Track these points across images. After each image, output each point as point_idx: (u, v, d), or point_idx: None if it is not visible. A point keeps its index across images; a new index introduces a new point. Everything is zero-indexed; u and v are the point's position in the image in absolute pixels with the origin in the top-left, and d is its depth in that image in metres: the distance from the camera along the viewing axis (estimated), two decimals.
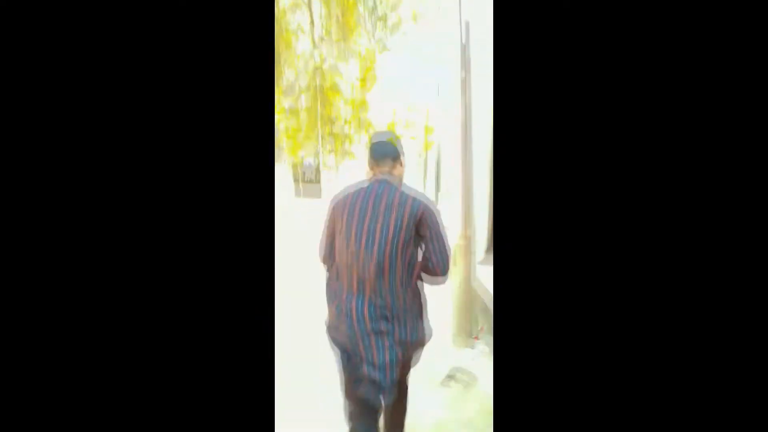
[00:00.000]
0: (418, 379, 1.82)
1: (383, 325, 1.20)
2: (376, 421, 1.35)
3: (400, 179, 1.35)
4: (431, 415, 1.87)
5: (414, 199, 1.24)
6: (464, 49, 2.37)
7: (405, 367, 1.32)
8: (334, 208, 1.28)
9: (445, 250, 1.26)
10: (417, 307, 1.28)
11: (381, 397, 1.22)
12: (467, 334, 2.75)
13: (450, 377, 2.18)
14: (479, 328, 2.83)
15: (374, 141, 1.36)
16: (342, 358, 1.30)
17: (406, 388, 1.39)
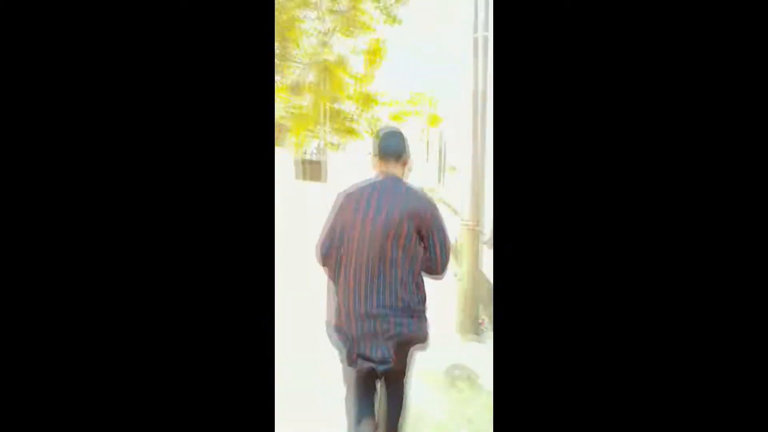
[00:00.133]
0: (421, 378, 1.84)
1: (386, 319, 1.21)
2: (372, 405, 1.40)
3: (406, 176, 1.36)
4: (432, 416, 1.87)
5: (418, 197, 1.25)
6: (477, 11, 2.23)
7: (402, 367, 1.33)
8: (341, 204, 1.27)
9: (446, 249, 1.27)
10: (420, 302, 1.29)
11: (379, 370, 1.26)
12: (473, 321, 2.77)
13: (453, 377, 2.16)
14: (480, 321, 2.84)
15: (380, 136, 1.34)
16: (341, 353, 1.33)
17: (403, 392, 1.40)
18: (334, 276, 1.29)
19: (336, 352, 1.35)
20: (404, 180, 1.31)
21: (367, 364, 1.24)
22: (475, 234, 2.69)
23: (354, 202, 1.24)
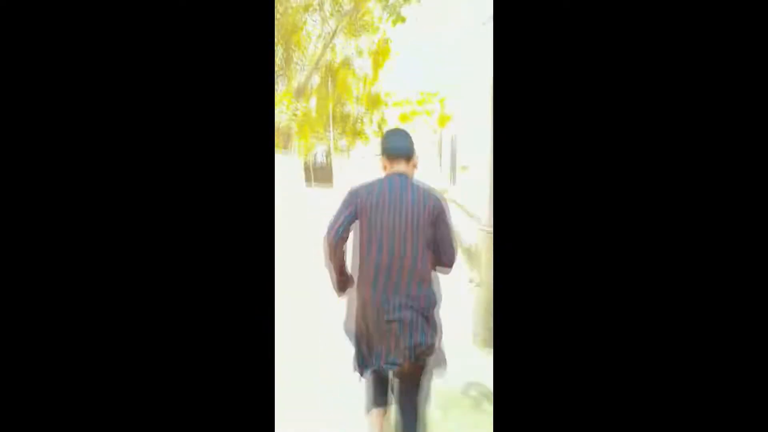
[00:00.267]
0: (434, 398, 1.79)
1: (405, 315, 1.26)
2: (386, 393, 1.47)
3: (413, 174, 1.41)
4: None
5: (431, 196, 1.31)
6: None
7: (415, 377, 1.36)
8: (359, 198, 1.30)
9: (455, 244, 1.34)
10: (433, 301, 1.34)
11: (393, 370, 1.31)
12: (491, 332, 2.70)
13: (470, 397, 2.08)
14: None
15: (388, 136, 1.39)
16: (357, 350, 1.38)
17: (417, 403, 1.41)
18: (341, 262, 1.33)
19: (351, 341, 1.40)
20: (411, 178, 1.36)
21: (376, 367, 1.30)
22: (491, 240, 2.65)
23: (371, 196, 1.28)
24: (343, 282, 1.41)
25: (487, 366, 2.36)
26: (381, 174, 1.39)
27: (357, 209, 1.28)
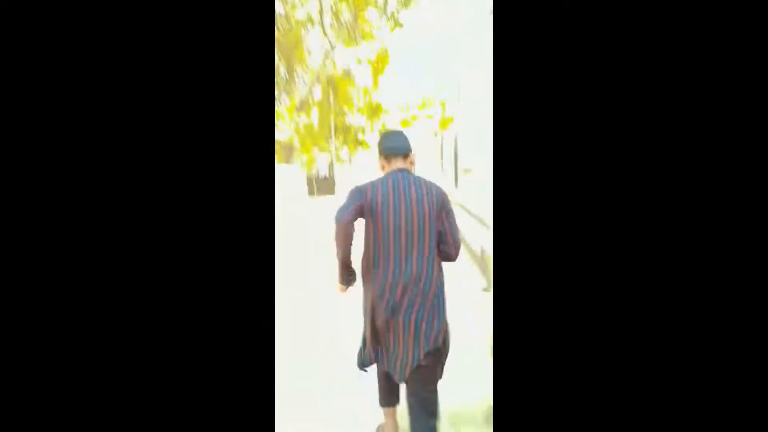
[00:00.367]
0: (453, 420, 1.76)
1: (420, 310, 1.28)
2: (397, 391, 1.51)
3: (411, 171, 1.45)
4: None
5: (432, 186, 1.35)
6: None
7: (430, 373, 1.37)
8: (365, 196, 1.31)
9: (458, 233, 1.37)
10: (442, 295, 1.37)
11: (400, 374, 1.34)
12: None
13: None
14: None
15: (384, 137, 1.43)
16: (368, 349, 1.39)
17: (434, 400, 1.41)
18: (347, 250, 1.34)
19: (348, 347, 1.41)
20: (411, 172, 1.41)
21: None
22: None
23: (377, 194, 1.30)
24: (346, 276, 1.41)
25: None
26: (380, 172, 1.42)
27: (363, 206, 1.30)
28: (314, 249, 5.32)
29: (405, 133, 1.46)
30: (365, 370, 1.46)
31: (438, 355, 1.35)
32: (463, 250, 4.35)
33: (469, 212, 6.46)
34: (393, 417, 1.53)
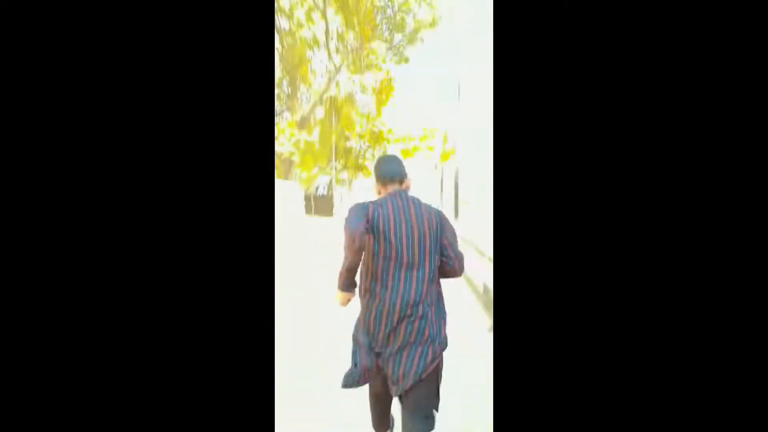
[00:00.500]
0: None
1: (415, 322, 1.31)
2: (389, 413, 1.52)
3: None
4: None
5: (429, 206, 1.41)
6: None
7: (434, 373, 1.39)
8: (369, 213, 1.34)
9: (460, 252, 1.42)
10: (442, 308, 1.40)
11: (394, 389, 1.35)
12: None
13: None
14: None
15: (380, 162, 1.50)
16: (360, 354, 1.40)
17: (432, 409, 1.42)
18: (359, 255, 1.34)
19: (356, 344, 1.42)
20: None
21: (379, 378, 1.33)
22: None
23: (380, 212, 1.34)
24: (347, 283, 1.42)
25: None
26: (377, 197, 1.46)
27: (368, 223, 1.34)
28: (313, 253, 5.29)
29: (403, 161, 1.53)
30: (350, 387, 1.45)
31: (437, 371, 1.37)
32: (465, 285, 4.39)
33: (471, 244, 6.44)
34: None
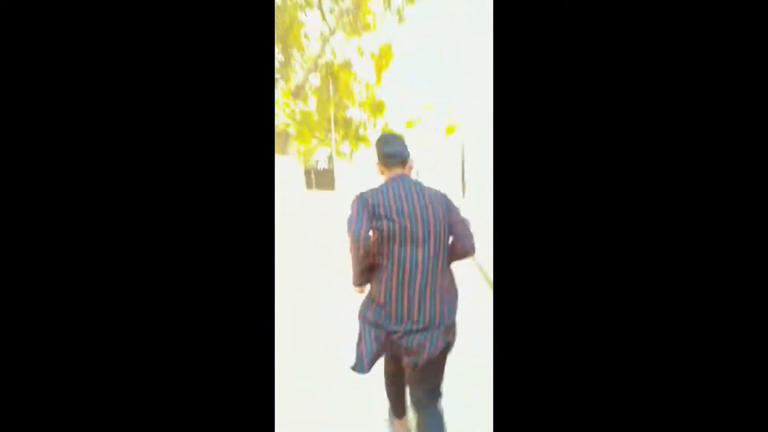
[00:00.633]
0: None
1: (434, 311, 1.33)
2: (404, 401, 1.57)
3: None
4: None
5: (434, 189, 1.42)
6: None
7: (443, 355, 1.44)
8: (370, 204, 1.35)
9: (470, 230, 1.44)
10: (454, 292, 1.41)
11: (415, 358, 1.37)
12: None
13: None
14: None
15: (383, 143, 1.47)
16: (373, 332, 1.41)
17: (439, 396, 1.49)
18: (368, 254, 1.37)
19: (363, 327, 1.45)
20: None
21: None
22: None
23: (382, 201, 1.34)
24: (363, 280, 1.43)
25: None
26: (379, 177, 1.45)
27: (370, 214, 1.34)
28: (314, 247, 5.34)
29: (402, 137, 1.52)
30: (361, 371, 1.49)
31: (446, 350, 1.42)
32: (474, 269, 4.46)
33: (477, 223, 6.44)
34: (405, 426, 1.58)
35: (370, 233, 1.35)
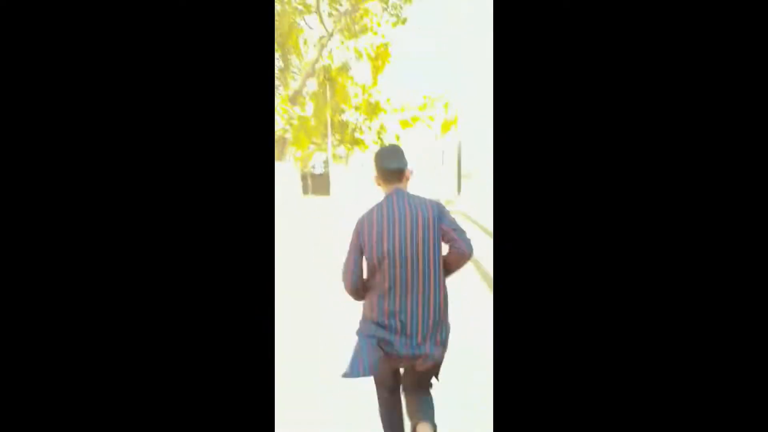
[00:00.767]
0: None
1: (422, 309, 1.40)
2: (402, 417, 1.59)
3: (407, 185, 1.58)
4: None
5: (428, 201, 1.48)
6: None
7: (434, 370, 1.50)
8: (363, 230, 1.47)
9: (465, 234, 1.48)
10: (445, 306, 1.46)
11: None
12: None
13: None
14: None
15: (381, 156, 1.55)
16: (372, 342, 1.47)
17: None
18: (360, 298, 1.49)
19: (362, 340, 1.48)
20: (406, 189, 1.55)
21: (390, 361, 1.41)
22: None
23: (365, 224, 1.44)
24: (358, 297, 1.55)
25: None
26: (377, 187, 1.57)
27: (361, 245, 1.45)
28: (313, 249, 5.38)
29: (400, 148, 1.59)
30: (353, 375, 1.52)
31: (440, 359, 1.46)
32: (472, 269, 4.44)
33: (472, 219, 6.44)
34: None
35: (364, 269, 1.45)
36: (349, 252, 1.47)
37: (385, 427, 1.57)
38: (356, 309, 1.56)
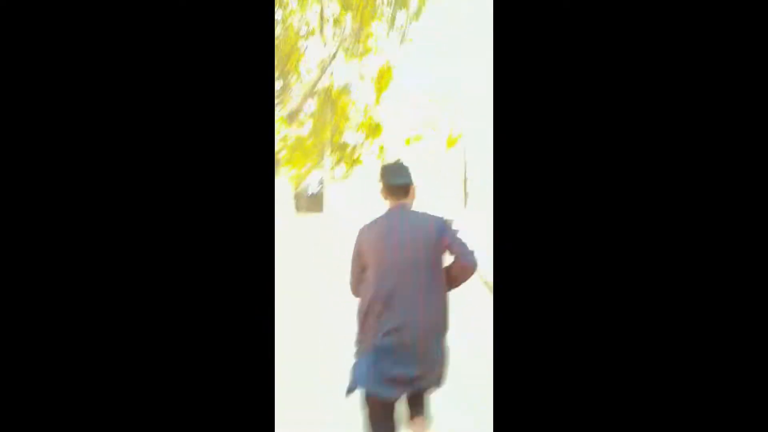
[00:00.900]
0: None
1: (424, 342, 1.40)
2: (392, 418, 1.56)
3: (413, 200, 1.63)
4: None
5: (430, 217, 1.52)
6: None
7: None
8: (362, 241, 1.52)
9: (468, 247, 1.51)
10: (445, 322, 1.47)
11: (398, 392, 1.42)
12: None
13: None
14: None
15: (387, 172, 1.60)
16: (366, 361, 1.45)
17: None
18: (366, 297, 1.51)
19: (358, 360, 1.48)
20: (410, 205, 1.60)
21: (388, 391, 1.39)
22: None
23: (377, 234, 1.48)
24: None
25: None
26: (373, 199, 1.57)
27: (361, 253, 1.51)
28: (313, 247, 5.43)
29: (405, 167, 1.64)
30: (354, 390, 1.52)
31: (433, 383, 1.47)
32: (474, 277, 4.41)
33: (478, 235, 6.41)
34: None
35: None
36: (352, 261, 1.52)
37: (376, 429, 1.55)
38: (356, 309, 1.60)
